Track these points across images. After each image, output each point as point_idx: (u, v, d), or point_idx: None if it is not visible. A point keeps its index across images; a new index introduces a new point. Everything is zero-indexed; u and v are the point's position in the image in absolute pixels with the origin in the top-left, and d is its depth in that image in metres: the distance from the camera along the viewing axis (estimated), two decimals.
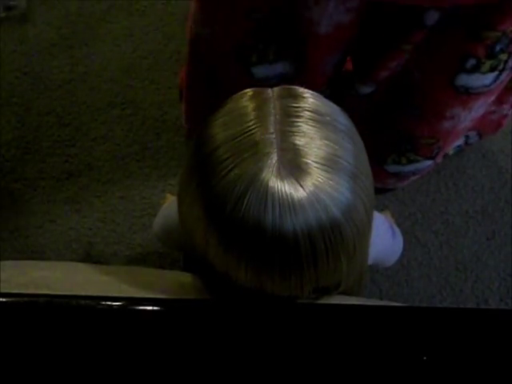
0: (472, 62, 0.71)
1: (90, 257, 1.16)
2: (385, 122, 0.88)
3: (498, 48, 0.69)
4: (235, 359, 0.42)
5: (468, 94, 0.76)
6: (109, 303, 0.45)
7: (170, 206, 0.82)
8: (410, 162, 0.94)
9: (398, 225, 0.93)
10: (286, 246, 0.40)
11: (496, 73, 0.73)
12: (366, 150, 0.46)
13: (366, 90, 0.81)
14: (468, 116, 0.81)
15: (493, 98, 0.83)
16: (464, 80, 0.74)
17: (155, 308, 0.45)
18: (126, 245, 1.17)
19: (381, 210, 1.14)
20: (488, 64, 0.71)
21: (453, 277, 1.14)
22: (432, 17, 0.67)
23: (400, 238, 0.84)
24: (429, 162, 0.96)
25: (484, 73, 0.72)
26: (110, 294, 0.47)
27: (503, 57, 0.71)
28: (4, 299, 0.44)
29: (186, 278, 0.54)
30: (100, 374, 0.42)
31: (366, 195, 0.43)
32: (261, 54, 0.77)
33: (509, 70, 0.74)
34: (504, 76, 0.75)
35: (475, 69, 0.72)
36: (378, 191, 1.15)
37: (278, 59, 0.78)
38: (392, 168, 0.98)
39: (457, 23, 0.68)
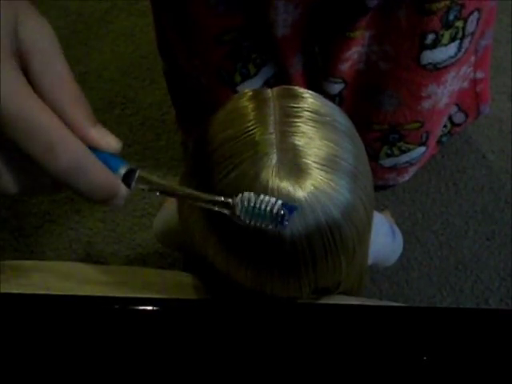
0: (431, 36, 0.71)
1: (90, 257, 1.16)
2: (366, 118, 0.88)
3: (451, 16, 0.69)
4: (235, 359, 0.42)
5: (437, 70, 0.76)
6: (109, 303, 0.45)
7: (170, 206, 0.82)
8: (403, 151, 0.95)
9: (398, 225, 0.93)
10: (285, 246, 0.40)
11: (457, 41, 0.73)
12: None
13: (335, 87, 0.81)
14: (445, 91, 0.82)
15: (464, 67, 0.83)
16: (429, 56, 0.74)
17: (155, 308, 0.45)
18: (126, 245, 1.17)
19: (381, 210, 1.14)
20: (447, 34, 0.71)
21: (453, 277, 1.14)
22: None
23: (400, 238, 0.84)
24: (422, 149, 0.96)
25: (446, 44, 0.73)
26: (109, 294, 0.47)
27: (460, 24, 0.71)
28: (4, 299, 0.44)
29: (185, 278, 0.54)
30: (100, 374, 0.42)
31: (365, 196, 0.43)
32: (243, 71, 0.78)
33: (470, 36, 0.74)
34: (467, 43, 0.75)
35: (436, 42, 0.72)
36: (380, 188, 1.15)
37: (258, 70, 0.79)
38: (387, 162, 0.98)
39: (403, 1, 0.68)
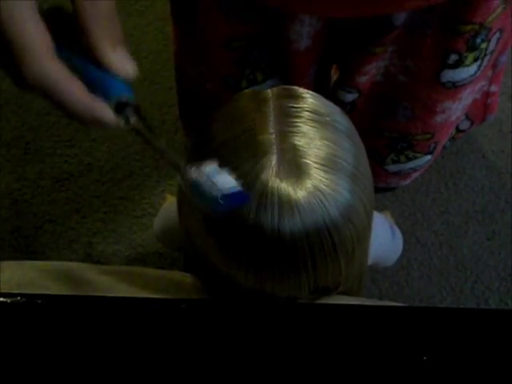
0: (454, 57, 0.71)
1: (90, 257, 1.16)
2: (376, 126, 0.88)
3: (478, 40, 0.69)
4: (235, 359, 0.42)
5: (456, 87, 0.76)
6: (108, 303, 0.45)
7: (170, 206, 0.82)
8: (410, 159, 0.95)
9: (398, 225, 0.93)
10: (285, 246, 0.40)
11: (479, 61, 0.73)
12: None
13: (349, 97, 0.81)
14: (459, 106, 0.82)
15: (480, 83, 0.83)
16: (449, 75, 0.74)
17: (155, 308, 0.45)
18: (126, 245, 1.17)
19: (381, 210, 1.14)
20: (471, 56, 0.71)
21: (453, 277, 1.14)
22: (400, 17, 0.67)
23: (400, 238, 0.84)
24: (428, 157, 0.96)
25: (468, 65, 0.72)
26: (110, 294, 0.47)
27: (484, 45, 0.71)
28: (4, 299, 0.44)
29: (185, 278, 0.54)
30: (100, 374, 0.42)
31: (365, 196, 0.43)
32: (249, 78, 0.78)
33: (490, 54, 0.74)
34: (486, 61, 0.75)
35: (458, 63, 0.72)
36: (381, 190, 1.15)
37: (266, 78, 0.79)
38: (392, 167, 0.98)
39: (430, 20, 0.68)
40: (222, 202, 0.35)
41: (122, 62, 0.31)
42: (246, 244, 0.41)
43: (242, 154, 0.40)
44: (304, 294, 0.46)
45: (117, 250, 1.16)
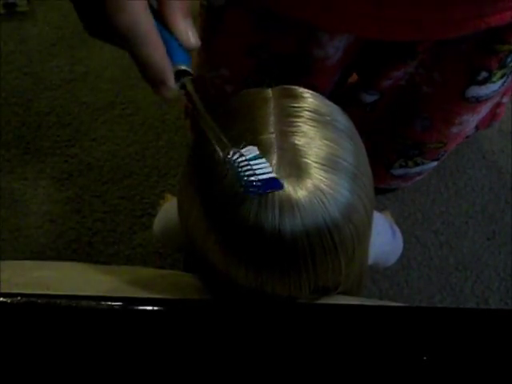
0: (484, 74, 0.71)
1: (90, 257, 1.16)
2: (392, 133, 0.88)
3: (509, 59, 0.69)
4: (235, 359, 0.42)
5: (478, 102, 0.76)
6: (109, 303, 0.45)
7: (170, 206, 0.82)
8: (418, 164, 0.95)
9: (398, 225, 0.93)
10: (285, 246, 0.40)
11: (505, 78, 0.73)
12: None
13: (370, 98, 0.81)
14: (476, 118, 0.82)
15: (498, 97, 0.83)
16: (475, 91, 0.74)
17: (155, 308, 0.45)
18: (125, 245, 1.17)
19: (381, 210, 1.14)
20: (499, 73, 0.71)
21: (453, 277, 1.14)
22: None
23: (400, 238, 0.84)
24: (434, 163, 0.97)
25: (495, 82, 0.72)
26: (109, 294, 0.47)
27: None
28: (4, 299, 0.44)
29: (185, 277, 0.54)
30: (100, 375, 0.42)
31: (366, 195, 0.43)
32: (268, 86, 0.78)
33: None
34: (510, 77, 0.75)
35: (487, 80, 0.72)
36: (381, 191, 1.15)
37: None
38: (398, 171, 0.98)
39: (467, 36, 0.66)
40: (256, 186, 0.37)
41: (189, 30, 0.34)
42: (247, 243, 0.41)
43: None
44: (304, 294, 0.46)
45: (117, 249, 1.16)
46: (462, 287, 1.13)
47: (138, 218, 1.19)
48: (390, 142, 0.89)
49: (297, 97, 0.43)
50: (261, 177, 0.37)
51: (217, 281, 0.47)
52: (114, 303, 0.45)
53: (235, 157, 0.37)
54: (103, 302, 0.45)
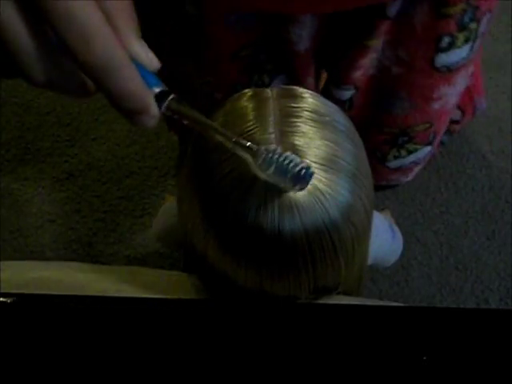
0: (447, 39, 0.71)
1: (89, 257, 1.16)
2: (376, 122, 0.88)
3: (466, 19, 0.69)
4: (235, 359, 0.42)
5: (450, 71, 0.77)
6: (109, 303, 0.45)
7: (169, 206, 0.82)
8: (410, 152, 0.95)
9: (398, 225, 0.93)
10: (285, 246, 0.40)
11: (470, 43, 0.74)
12: (366, 151, 0.46)
13: (345, 94, 0.82)
14: (454, 91, 0.82)
15: (472, 68, 0.84)
16: (443, 59, 0.74)
17: (155, 308, 0.45)
18: (125, 245, 1.17)
19: (381, 210, 1.14)
20: (461, 36, 0.72)
21: (453, 277, 1.14)
22: (395, 7, 0.67)
23: (400, 238, 0.84)
24: (428, 148, 0.97)
25: (460, 46, 0.73)
26: (110, 294, 0.47)
27: (473, 26, 0.71)
28: (4, 299, 0.44)
29: (185, 278, 0.54)
30: (100, 375, 0.42)
31: (365, 196, 0.43)
32: (257, 83, 0.78)
33: (480, 37, 0.75)
34: (477, 44, 0.76)
35: (451, 45, 0.72)
36: (382, 188, 1.15)
37: (271, 80, 0.79)
38: (394, 163, 0.98)
39: (417, 7, 0.68)
40: (303, 175, 0.35)
41: (148, 51, 0.32)
42: (246, 243, 0.41)
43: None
44: (304, 294, 0.46)
45: (117, 249, 1.16)
46: (462, 287, 1.13)
47: (137, 218, 1.19)
48: (377, 133, 0.90)
49: (296, 97, 0.43)
50: (298, 167, 0.35)
51: (216, 281, 0.47)
52: (114, 303, 0.45)
53: (270, 155, 0.35)
54: (103, 302, 0.45)
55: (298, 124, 0.41)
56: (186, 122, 0.34)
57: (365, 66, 0.77)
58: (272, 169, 0.36)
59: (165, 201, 1.14)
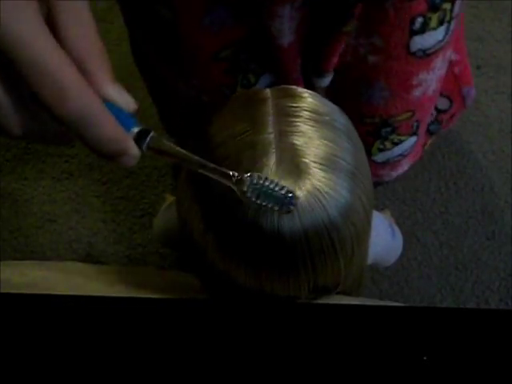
0: (419, 20, 0.71)
1: (90, 257, 1.16)
2: (357, 112, 0.87)
3: None
4: (235, 359, 0.42)
5: (427, 56, 0.76)
6: (109, 303, 0.45)
7: (169, 206, 0.82)
8: (395, 143, 0.94)
9: (398, 225, 0.93)
10: (284, 246, 0.40)
11: (445, 25, 0.73)
12: None
13: (325, 81, 0.81)
14: (433, 77, 0.82)
15: (449, 52, 0.83)
16: (418, 42, 0.74)
17: (155, 308, 0.45)
18: (126, 245, 1.17)
19: (381, 210, 1.14)
20: (435, 17, 0.71)
21: (453, 277, 1.14)
22: None
23: (399, 238, 0.84)
24: (413, 139, 0.96)
25: (434, 28, 0.73)
26: (109, 294, 0.47)
27: (447, 6, 0.71)
28: (4, 299, 0.44)
29: (185, 278, 0.54)
30: (100, 375, 0.42)
31: (365, 195, 0.43)
32: (243, 83, 0.78)
33: (456, 18, 0.74)
34: (453, 26, 0.75)
35: (424, 27, 0.72)
36: (375, 185, 1.15)
37: (257, 79, 0.79)
38: (380, 157, 0.98)
39: None
40: (290, 196, 0.37)
41: (123, 95, 0.31)
42: (246, 243, 0.41)
43: (240, 154, 0.40)
44: (303, 294, 0.46)
45: (117, 249, 1.16)
46: (462, 287, 1.13)
47: (138, 218, 1.19)
48: (359, 125, 0.89)
49: (295, 96, 0.43)
50: (283, 190, 0.36)
51: (216, 281, 0.47)
52: (113, 303, 0.45)
53: (255, 181, 0.36)
54: (103, 302, 0.45)
55: (298, 124, 0.41)
56: (167, 159, 0.34)
57: (341, 53, 0.77)
58: (255, 195, 0.36)
59: (165, 201, 1.14)
